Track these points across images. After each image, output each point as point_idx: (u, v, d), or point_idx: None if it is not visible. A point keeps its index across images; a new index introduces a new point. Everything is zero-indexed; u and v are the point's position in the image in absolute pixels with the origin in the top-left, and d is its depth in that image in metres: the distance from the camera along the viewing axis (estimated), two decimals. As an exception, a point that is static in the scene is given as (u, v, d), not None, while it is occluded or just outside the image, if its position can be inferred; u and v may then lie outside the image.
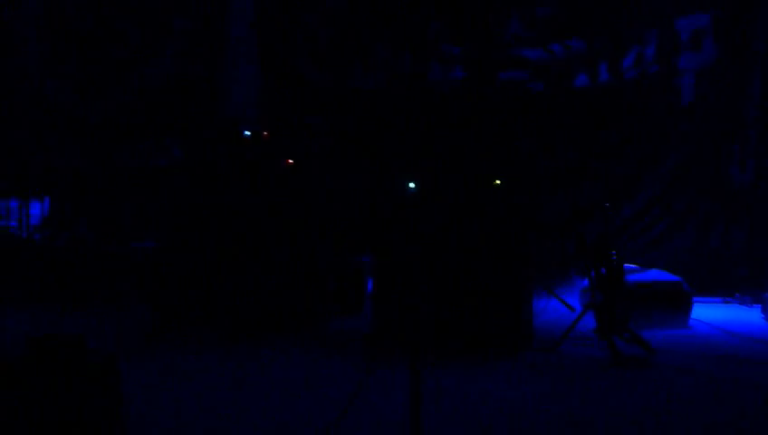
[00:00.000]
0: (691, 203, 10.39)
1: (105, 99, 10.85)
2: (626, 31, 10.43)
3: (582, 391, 6.29)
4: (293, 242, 8.48)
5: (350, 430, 5.22)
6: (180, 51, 10.89)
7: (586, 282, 8.02)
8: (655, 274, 8.83)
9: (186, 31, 10.89)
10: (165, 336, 8.03)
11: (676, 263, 9.67)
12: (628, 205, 10.34)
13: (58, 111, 10.87)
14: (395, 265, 7.72)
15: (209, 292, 8.34)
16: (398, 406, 5.31)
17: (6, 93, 10.89)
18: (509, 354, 7.31)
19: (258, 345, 7.66)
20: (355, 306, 9.24)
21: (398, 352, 6.32)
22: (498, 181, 7.71)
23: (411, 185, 7.73)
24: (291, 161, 8.57)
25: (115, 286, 9.55)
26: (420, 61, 10.55)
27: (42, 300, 9.48)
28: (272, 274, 8.38)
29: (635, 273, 8.71)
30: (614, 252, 7.48)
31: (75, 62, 10.85)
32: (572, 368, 6.96)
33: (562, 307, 8.68)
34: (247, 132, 8.68)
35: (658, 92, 10.42)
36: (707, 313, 9.08)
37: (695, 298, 8.67)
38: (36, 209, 10.87)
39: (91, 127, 10.85)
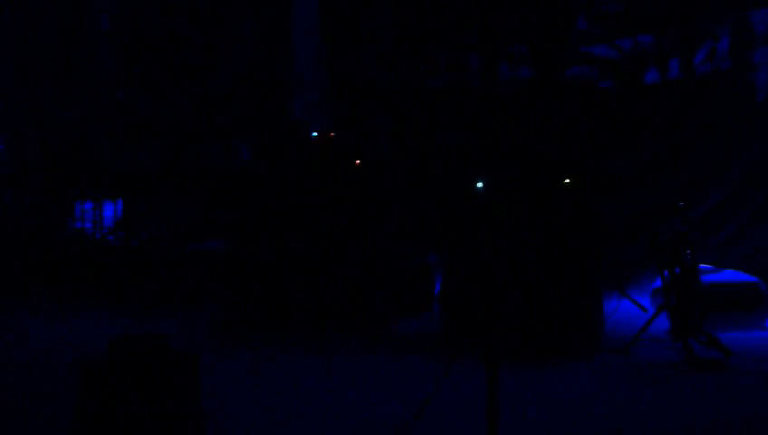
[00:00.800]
0: (766, 201, 10.09)
1: (176, 103, 11.06)
2: (698, 25, 10.20)
3: (659, 394, 6.17)
4: (361, 241, 8.52)
5: (426, 429, 5.21)
6: (248, 55, 11.04)
7: (658, 282, 7.86)
8: (730, 274, 8.61)
9: (253, 35, 11.03)
10: (235, 335, 8.13)
11: (753, 262, 9.40)
12: (701, 203, 10.10)
13: (131, 115, 11.12)
14: (463, 265, 7.69)
15: (278, 291, 8.42)
16: (473, 405, 5.29)
17: (81, 99, 11.19)
18: (580, 355, 7.21)
19: (327, 344, 7.71)
20: (423, 306, 9.22)
21: (466, 351, 6.30)
22: (567, 180, 7.61)
23: (479, 184, 7.68)
24: (358, 162, 8.61)
25: (187, 286, 9.71)
26: (487, 60, 10.48)
27: (116, 300, 9.69)
28: (340, 273, 8.42)
29: (709, 273, 8.50)
30: (689, 251, 7.32)
31: (147, 69, 11.08)
32: (647, 370, 6.83)
33: (634, 308, 8.53)
34: (314, 133, 8.75)
35: (732, 88, 10.14)
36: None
37: (772, 299, 8.42)
38: (110, 211, 11.14)
39: (163, 130, 11.07)
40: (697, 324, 7.22)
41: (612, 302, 8.56)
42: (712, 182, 10.20)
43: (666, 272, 7.39)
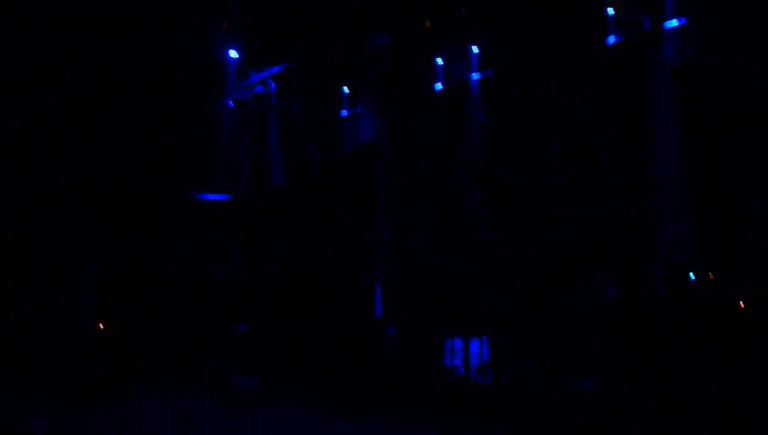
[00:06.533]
0: None
1: (537, 242, 11.39)
2: None
3: None
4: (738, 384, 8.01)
5: None
6: (607, 192, 11.12)
7: None
8: None
9: (611, 172, 11.12)
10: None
11: None
12: None
13: (495, 256, 11.64)
14: None
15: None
16: None
17: (450, 243, 11.96)
18: None
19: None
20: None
21: None
22: None
23: None
24: (743, 305, 8.18)
25: (562, 428, 9.67)
26: None
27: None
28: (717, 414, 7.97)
29: None
30: None
31: (509, 211, 11.61)
32: None
33: None
34: (692, 275, 8.51)
35: None
36: None
37: None
38: (476, 348, 11.57)
39: (527, 269, 11.41)
40: None
41: None
42: None
43: None
